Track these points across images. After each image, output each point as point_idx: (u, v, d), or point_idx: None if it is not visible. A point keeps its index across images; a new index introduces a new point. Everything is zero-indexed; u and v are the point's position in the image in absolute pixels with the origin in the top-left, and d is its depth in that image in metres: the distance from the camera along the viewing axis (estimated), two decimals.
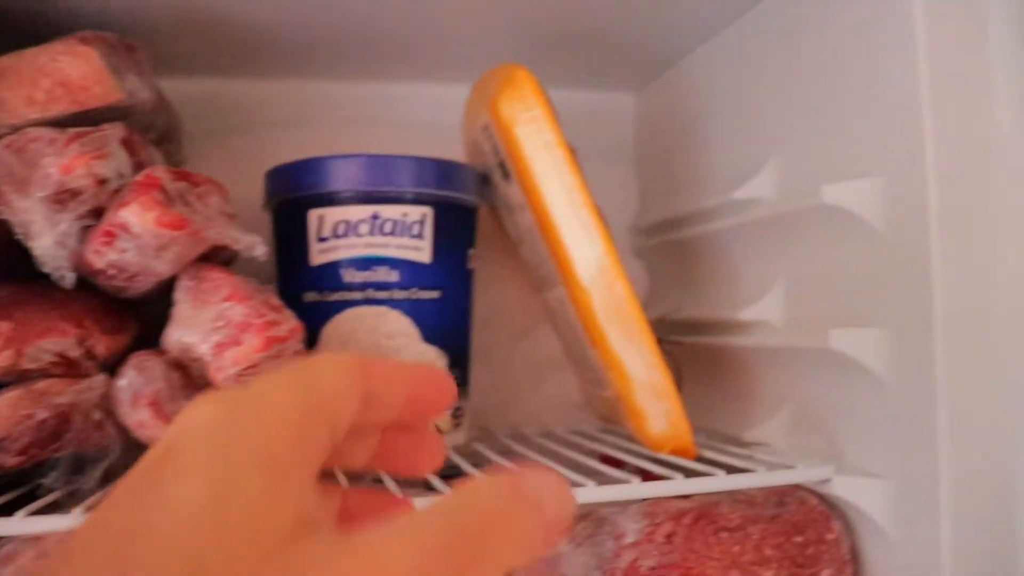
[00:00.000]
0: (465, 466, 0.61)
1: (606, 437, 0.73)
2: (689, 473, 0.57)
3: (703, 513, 0.58)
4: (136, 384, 0.53)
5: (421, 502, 0.28)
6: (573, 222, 0.61)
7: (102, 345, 0.56)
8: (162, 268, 0.55)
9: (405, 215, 0.66)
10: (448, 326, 0.70)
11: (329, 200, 0.66)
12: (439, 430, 0.68)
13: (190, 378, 0.55)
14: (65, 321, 0.55)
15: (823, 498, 0.61)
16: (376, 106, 0.86)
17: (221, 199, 0.61)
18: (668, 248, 0.85)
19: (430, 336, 0.68)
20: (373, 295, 0.66)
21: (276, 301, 0.57)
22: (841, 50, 0.60)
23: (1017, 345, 0.52)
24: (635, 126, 0.93)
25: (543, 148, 0.62)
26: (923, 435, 0.53)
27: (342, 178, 0.66)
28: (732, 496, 0.60)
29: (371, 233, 0.66)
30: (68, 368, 0.55)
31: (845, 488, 0.58)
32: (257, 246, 0.58)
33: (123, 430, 0.53)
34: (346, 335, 0.66)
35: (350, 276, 0.66)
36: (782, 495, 0.61)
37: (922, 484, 0.53)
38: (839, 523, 0.60)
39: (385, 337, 0.66)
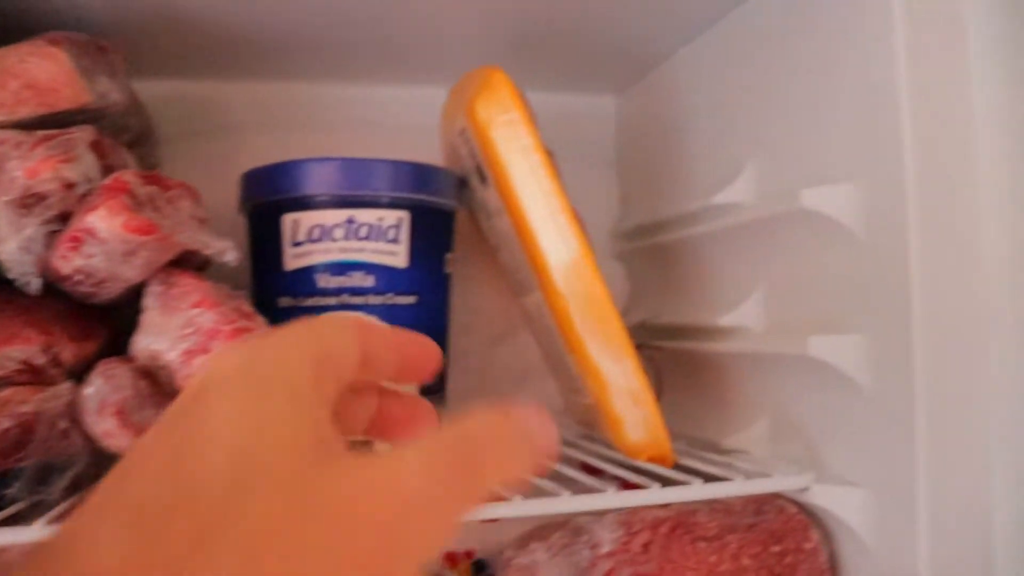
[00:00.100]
0: None
1: (585, 444, 0.72)
2: (666, 482, 0.57)
3: (680, 522, 0.58)
4: (103, 392, 0.52)
5: None
6: (550, 227, 0.61)
7: (69, 352, 0.55)
8: (131, 274, 0.54)
9: (381, 219, 0.66)
10: (425, 332, 0.68)
11: (304, 204, 0.65)
12: None
13: (159, 386, 0.54)
14: (30, 328, 0.54)
15: (802, 507, 0.61)
16: (354, 108, 0.85)
17: (193, 203, 0.60)
18: (649, 252, 0.84)
19: None
20: (348, 300, 0.65)
21: (247, 307, 0.56)
22: (820, 54, 0.59)
23: (996, 352, 0.52)
24: (617, 129, 0.93)
25: (520, 152, 0.61)
26: (901, 443, 0.53)
27: (317, 182, 0.66)
28: (710, 505, 0.59)
29: (346, 238, 0.65)
30: (33, 376, 0.54)
31: (824, 497, 0.58)
32: (228, 251, 0.57)
33: (90, 439, 0.52)
34: None
35: (325, 281, 0.65)
36: (760, 503, 0.60)
37: (900, 493, 0.53)
38: (818, 532, 0.59)
39: None
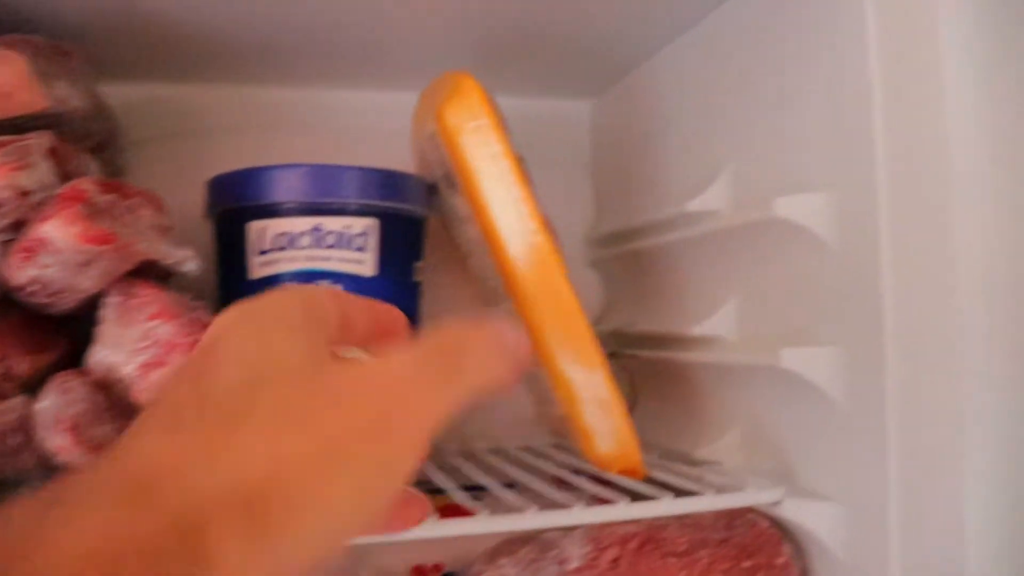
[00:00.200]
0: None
1: (556, 454, 0.71)
2: (635, 496, 0.56)
3: (650, 537, 0.57)
4: (57, 407, 0.51)
5: None
6: (518, 234, 0.60)
7: (23, 365, 0.54)
8: (87, 284, 0.53)
9: (348, 227, 0.64)
10: None
11: (270, 211, 0.64)
12: None
13: (116, 400, 0.53)
14: None
15: (774, 520, 0.60)
16: (326, 113, 0.84)
17: (154, 211, 0.59)
18: (624, 259, 0.83)
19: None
20: None
21: (208, 318, 0.55)
22: (793, 61, 0.59)
23: (970, 365, 0.51)
24: (592, 134, 0.92)
25: (489, 159, 0.60)
26: (873, 457, 0.52)
27: (283, 189, 0.64)
28: (680, 519, 0.59)
29: (313, 246, 0.64)
30: None
31: (795, 511, 0.57)
32: (188, 261, 0.56)
33: (43, 456, 0.51)
34: None
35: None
36: (732, 517, 0.59)
37: (872, 508, 0.52)
38: (789, 546, 0.58)
39: None
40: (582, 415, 0.60)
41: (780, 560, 0.57)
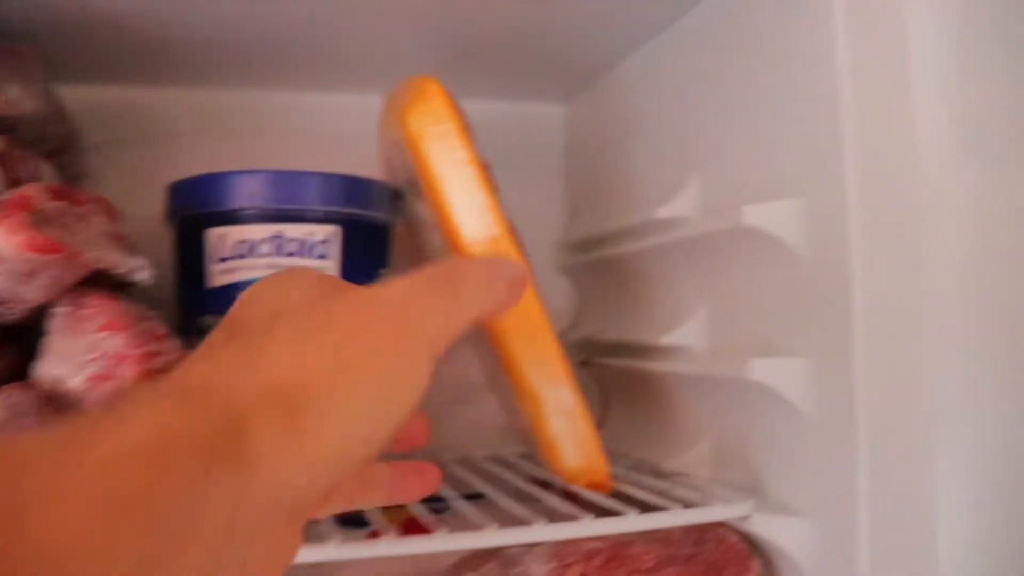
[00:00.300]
0: None
1: (523, 465, 0.70)
2: (600, 511, 0.55)
3: (615, 554, 0.55)
4: (2, 420, 0.49)
5: None
6: (483, 242, 0.58)
7: None
8: (33, 295, 0.51)
9: (310, 234, 0.63)
10: None
11: (229, 218, 0.63)
12: None
13: (65, 414, 0.51)
14: None
15: (743, 535, 0.58)
16: (291, 116, 0.82)
17: (107, 219, 0.57)
18: (595, 266, 0.82)
19: None
20: None
21: (161, 330, 0.54)
22: (763, 67, 0.58)
23: (941, 376, 0.49)
24: (565, 139, 0.91)
25: (453, 165, 0.59)
26: (843, 471, 0.51)
27: (243, 195, 0.63)
28: (647, 534, 0.57)
29: (274, 253, 0.62)
30: None
31: (764, 526, 0.56)
32: (140, 270, 0.54)
33: None
34: None
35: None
36: (700, 532, 0.58)
37: (842, 523, 0.51)
38: (759, 562, 0.57)
39: None
40: (548, 427, 0.59)
41: None
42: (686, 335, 0.65)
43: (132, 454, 0.24)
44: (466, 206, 0.59)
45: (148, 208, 0.67)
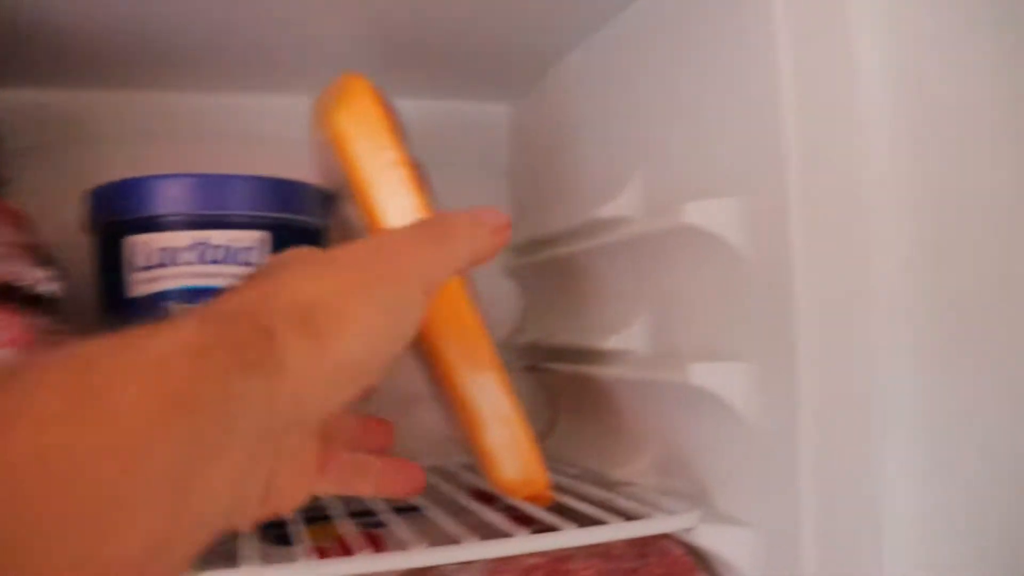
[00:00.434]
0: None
1: (466, 476, 0.67)
2: (539, 526, 0.52)
3: (553, 570, 0.53)
4: None
5: None
6: None
7: None
8: None
9: (236, 241, 0.60)
10: None
11: (150, 225, 0.60)
12: None
13: None
14: None
15: (689, 547, 0.56)
16: (223, 119, 0.80)
17: (15, 229, 0.55)
18: (541, 268, 0.80)
19: None
20: None
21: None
22: (704, 61, 0.56)
23: (887, 380, 0.47)
24: (510, 138, 0.88)
25: (381, 166, 0.56)
26: (786, 480, 0.49)
27: (165, 200, 0.60)
28: (588, 548, 0.55)
29: (198, 261, 0.60)
30: None
31: (709, 537, 0.54)
32: (43, 282, 0.51)
33: None
34: None
35: (175, 309, 0.60)
36: (644, 545, 0.56)
37: (786, 532, 0.49)
38: (704, 575, 0.55)
39: None
40: (485, 439, 0.56)
41: None
42: (629, 339, 0.63)
43: (180, 354, 0.28)
44: (395, 208, 0.56)
45: (72, 215, 0.65)
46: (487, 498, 0.61)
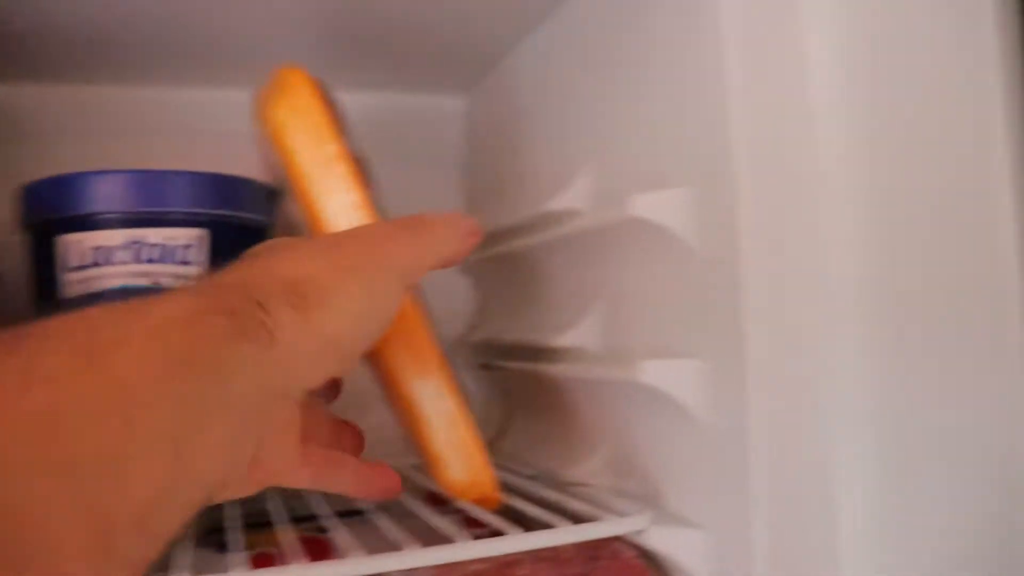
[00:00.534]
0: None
1: (417, 477, 0.65)
2: (487, 529, 0.51)
3: (499, 575, 0.51)
4: None
5: None
6: None
7: None
8: None
9: (172, 239, 0.58)
10: None
11: (83, 223, 0.58)
12: None
13: None
14: None
15: (641, 549, 0.55)
16: (166, 114, 0.77)
17: None
18: (494, 264, 0.78)
19: None
20: None
21: None
22: (652, 50, 0.54)
23: (840, 377, 0.46)
24: (466, 130, 0.86)
25: (320, 160, 0.54)
26: (738, 480, 0.47)
27: (98, 198, 0.58)
28: (536, 553, 0.53)
29: (133, 260, 0.58)
30: None
31: (661, 540, 0.52)
32: None
33: None
34: None
35: None
36: (594, 548, 0.54)
37: (738, 534, 0.48)
38: None
39: None
40: (431, 440, 0.55)
41: None
42: (581, 336, 0.61)
43: (177, 320, 0.30)
44: (336, 204, 0.54)
45: (6, 214, 0.62)
46: (440, 501, 0.59)
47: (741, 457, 0.47)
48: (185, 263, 0.58)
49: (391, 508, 0.59)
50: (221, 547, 0.54)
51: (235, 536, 0.52)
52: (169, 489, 0.29)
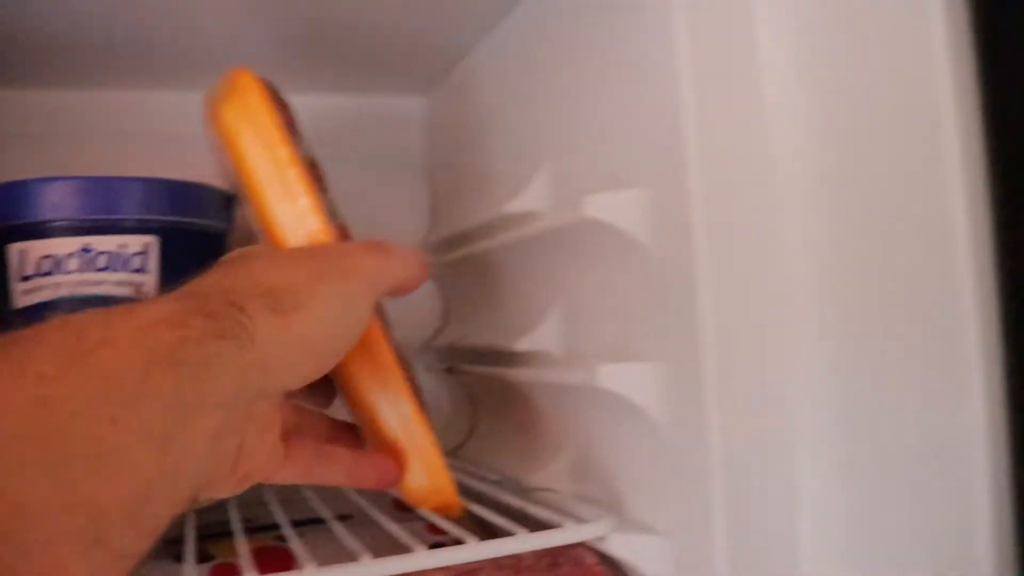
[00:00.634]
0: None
1: None
2: (447, 537, 0.50)
3: None
4: None
5: None
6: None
7: None
8: None
9: (123, 246, 0.57)
10: None
11: (31, 231, 0.57)
12: None
13: None
14: None
15: (602, 556, 0.54)
16: (120, 117, 0.76)
17: None
18: (457, 267, 0.77)
19: None
20: None
21: None
22: (604, 51, 0.54)
23: (796, 379, 0.45)
24: (428, 133, 0.85)
25: (271, 164, 0.53)
26: (697, 485, 0.47)
27: (46, 205, 0.57)
28: (496, 560, 0.52)
29: (82, 269, 0.57)
30: None
31: (622, 547, 0.52)
32: None
33: None
34: None
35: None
36: (556, 555, 0.53)
37: (699, 540, 0.47)
38: None
39: None
40: (388, 447, 0.54)
41: None
42: (540, 340, 0.60)
43: (161, 322, 0.32)
44: (287, 209, 0.53)
45: None
46: (405, 509, 0.58)
47: (700, 461, 0.46)
48: (138, 271, 0.57)
49: (355, 516, 0.58)
50: (178, 559, 0.53)
51: (190, 548, 0.51)
52: (157, 482, 0.30)
